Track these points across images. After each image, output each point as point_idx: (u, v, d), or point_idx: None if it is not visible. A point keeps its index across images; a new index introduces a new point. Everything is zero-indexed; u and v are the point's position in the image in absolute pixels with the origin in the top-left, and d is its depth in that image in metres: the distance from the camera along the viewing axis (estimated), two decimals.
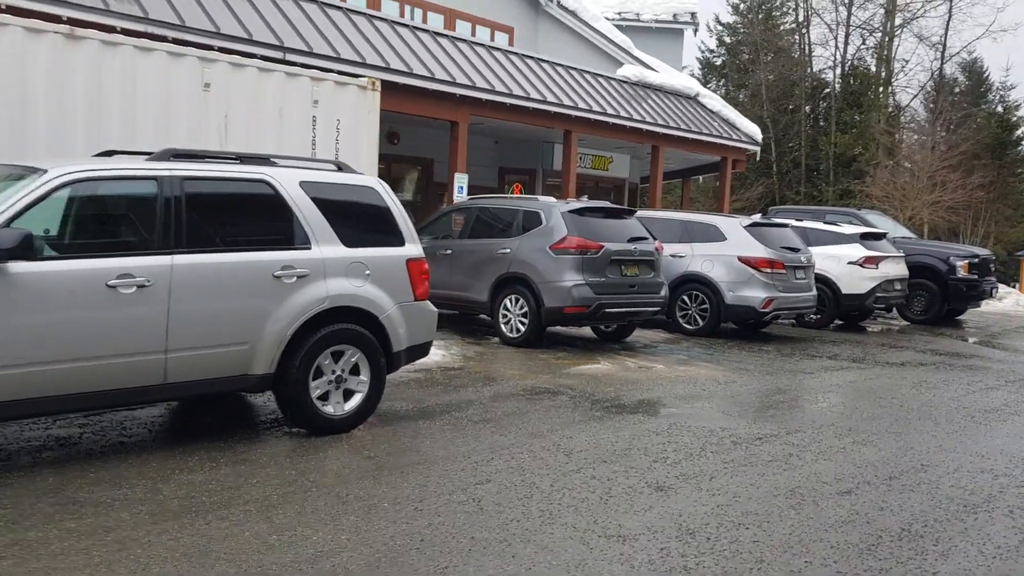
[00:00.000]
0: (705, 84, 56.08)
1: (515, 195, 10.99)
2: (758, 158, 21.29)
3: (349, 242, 5.86)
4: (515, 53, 16.07)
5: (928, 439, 6.62)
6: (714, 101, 20.58)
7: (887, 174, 28.39)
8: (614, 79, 18.05)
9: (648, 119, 17.97)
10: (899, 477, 5.48)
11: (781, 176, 42.41)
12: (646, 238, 10.44)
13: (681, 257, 12.12)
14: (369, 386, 5.91)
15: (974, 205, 35.40)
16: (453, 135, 14.27)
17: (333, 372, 5.75)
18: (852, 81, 41.74)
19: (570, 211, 10.02)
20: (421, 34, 14.33)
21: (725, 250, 11.86)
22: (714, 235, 12.10)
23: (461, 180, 13.98)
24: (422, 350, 6.42)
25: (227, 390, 5.54)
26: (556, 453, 5.63)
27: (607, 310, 9.85)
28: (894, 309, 15.50)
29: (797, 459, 5.79)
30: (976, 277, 15.09)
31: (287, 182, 5.68)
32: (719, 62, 53.48)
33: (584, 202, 11.12)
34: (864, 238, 13.77)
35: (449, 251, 10.75)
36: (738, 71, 50.03)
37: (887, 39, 39.61)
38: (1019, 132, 39.00)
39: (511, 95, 14.79)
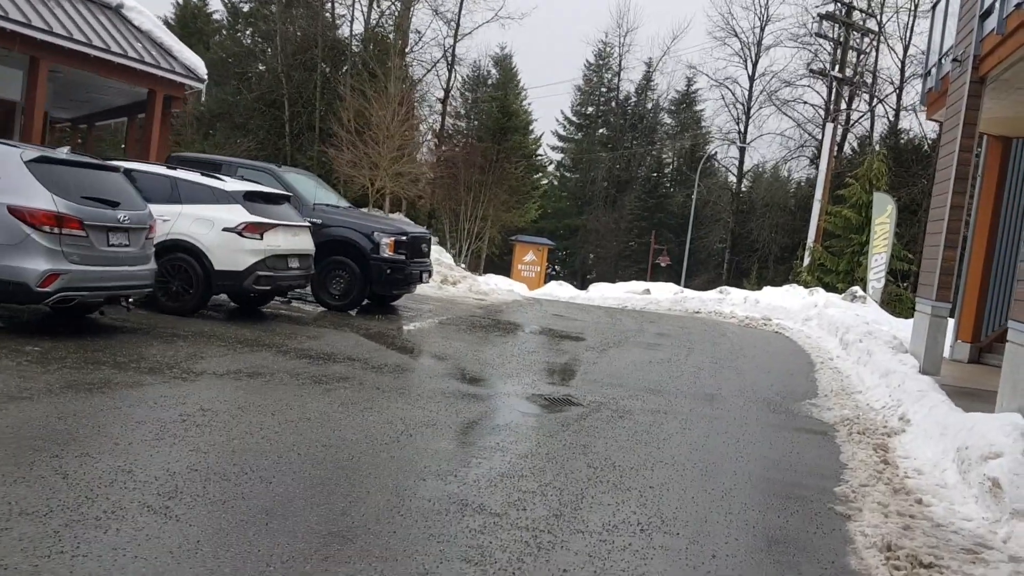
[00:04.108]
0: (232, 29, 51.14)
1: None
2: (203, 98, 17.51)
3: None
4: None
5: None
6: (144, 18, 16.29)
7: (356, 140, 26.62)
8: None
9: (22, 20, 13.16)
10: None
11: (294, 137, 39.41)
12: None
13: None
14: None
15: (474, 187, 35.70)
16: None
17: None
18: (372, 48, 40.16)
19: None
20: None
21: None
22: None
23: None
24: None
25: None
26: None
27: None
28: (307, 292, 12.71)
29: None
30: (403, 258, 12.84)
31: None
32: (246, 8, 49.24)
33: None
34: (250, 199, 10.59)
35: None
36: (265, 21, 46.37)
37: (405, 9, 38.51)
38: (517, 120, 40.46)
39: None
